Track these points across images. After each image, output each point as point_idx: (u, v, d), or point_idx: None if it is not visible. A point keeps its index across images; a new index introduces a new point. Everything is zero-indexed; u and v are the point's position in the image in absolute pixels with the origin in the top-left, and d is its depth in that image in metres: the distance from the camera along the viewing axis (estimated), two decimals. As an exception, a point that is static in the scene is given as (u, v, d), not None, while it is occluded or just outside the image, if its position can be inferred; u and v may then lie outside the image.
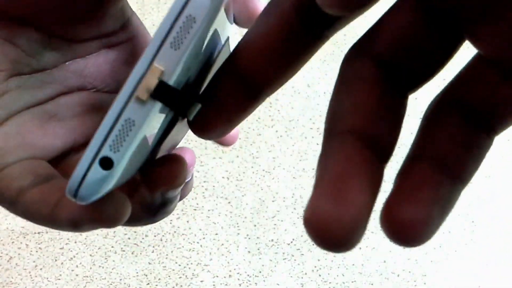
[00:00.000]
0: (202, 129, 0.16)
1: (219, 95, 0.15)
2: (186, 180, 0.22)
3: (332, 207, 0.12)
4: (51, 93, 0.21)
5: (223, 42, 0.18)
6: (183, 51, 0.15)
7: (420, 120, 0.13)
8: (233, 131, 0.23)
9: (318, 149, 0.80)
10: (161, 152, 0.20)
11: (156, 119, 0.16)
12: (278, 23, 0.14)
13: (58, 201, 0.18)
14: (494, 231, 0.75)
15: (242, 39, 0.15)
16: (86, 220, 0.17)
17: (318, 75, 0.85)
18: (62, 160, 0.21)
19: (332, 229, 0.12)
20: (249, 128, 0.81)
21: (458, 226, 0.76)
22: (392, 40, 0.13)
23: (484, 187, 0.77)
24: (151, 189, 0.18)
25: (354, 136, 0.13)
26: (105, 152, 0.15)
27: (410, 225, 0.11)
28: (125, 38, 0.21)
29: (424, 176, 0.12)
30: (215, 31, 0.16)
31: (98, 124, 0.20)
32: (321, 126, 0.82)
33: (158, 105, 0.15)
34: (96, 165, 0.15)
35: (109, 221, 0.17)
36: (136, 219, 0.19)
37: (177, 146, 0.24)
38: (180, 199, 0.23)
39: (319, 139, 0.81)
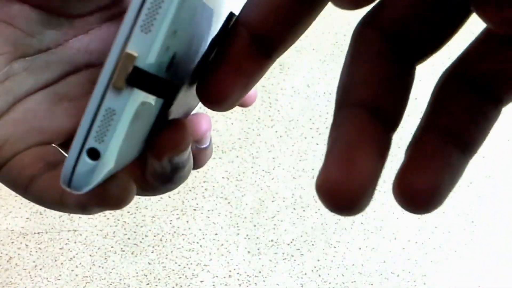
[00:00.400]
0: (216, 96, 0.15)
1: (232, 57, 0.15)
2: (204, 146, 0.22)
3: (341, 173, 0.12)
4: (59, 73, 0.21)
5: (222, 11, 0.18)
6: (155, 34, 0.15)
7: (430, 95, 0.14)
8: (252, 91, 0.23)
9: (318, 149, 0.80)
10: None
11: (143, 102, 0.16)
12: None
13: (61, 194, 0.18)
14: (494, 231, 0.75)
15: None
16: (93, 204, 0.18)
17: (318, 75, 0.85)
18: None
19: (341, 194, 0.12)
20: (249, 128, 0.80)
21: (458, 226, 0.76)
22: (399, 12, 0.13)
23: (484, 187, 0.77)
24: (157, 157, 0.18)
25: (363, 107, 0.13)
26: (91, 143, 0.15)
27: (422, 192, 0.12)
28: (126, 7, 0.21)
29: (435, 146, 0.12)
30: (203, 3, 0.16)
31: None
32: (321, 126, 0.82)
33: (138, 91, 0.15)
34: (83, 156, 0.15)
35: (114, 204, 0.17)
36: (153, 189, 0.20)
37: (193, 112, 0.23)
38: (201, 166, 0.23)
39: (319, 139, 0.81)
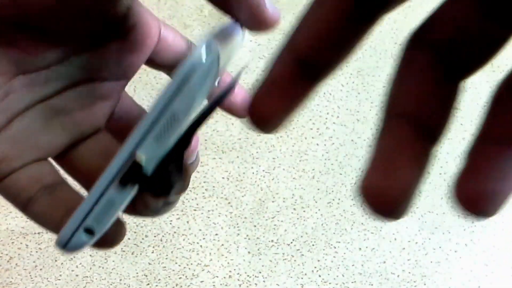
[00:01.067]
0: (263, 121, 0.16)
1: (278, 81, 0.16)
2: (190, 162, 0.24)
3: (382, 181, 0.14)
4: (57, 87, 0.21)
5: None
6: (165, 144, 0.17)
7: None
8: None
9: (318, 149, 0.80)
10: None
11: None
12: (334, 6, 0.15)
13: (62, 217, 0.20)
14: (494, 231, 0.75)
15: (297, 25, 0.15)
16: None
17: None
18: (69, 151, 0.22)
19: (382, 200, 0.14)
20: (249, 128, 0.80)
21: (458, 226, 0.76)
22: (448, 29, 0.14)
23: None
24: (154, 197, 0.20)
25: (408, 119, 0.14)
26: (88, 223, 0.18)
27: (482, 197, 0.13)
28: (127, 27, 0.22)
29: (494, 153, 0.13)
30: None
31: (106, 113, 0.22)
32: (321, 127, 0.82)
33: (137, 186, 0.17)
34: (81, 232, 0.18)
35: (108, 246, 0.20)
36: (140, 215, 0.21)
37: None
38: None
39: (319, 139, 0.81)
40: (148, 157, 0.17)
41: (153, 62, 0.24)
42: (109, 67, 0.22)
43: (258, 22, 0.20)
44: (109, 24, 0.21)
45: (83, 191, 0.21)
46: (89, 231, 0.18)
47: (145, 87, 0.82)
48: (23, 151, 0.20)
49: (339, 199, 0.77)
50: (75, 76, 0.21)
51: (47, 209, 0.20)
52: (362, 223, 0.75)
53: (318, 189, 0.77)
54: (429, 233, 0.75)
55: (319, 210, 0.77)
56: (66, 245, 0.19)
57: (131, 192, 0.18)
